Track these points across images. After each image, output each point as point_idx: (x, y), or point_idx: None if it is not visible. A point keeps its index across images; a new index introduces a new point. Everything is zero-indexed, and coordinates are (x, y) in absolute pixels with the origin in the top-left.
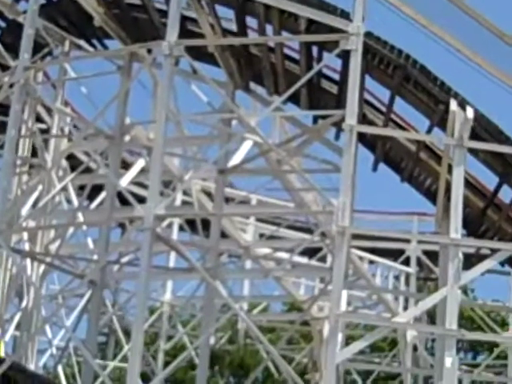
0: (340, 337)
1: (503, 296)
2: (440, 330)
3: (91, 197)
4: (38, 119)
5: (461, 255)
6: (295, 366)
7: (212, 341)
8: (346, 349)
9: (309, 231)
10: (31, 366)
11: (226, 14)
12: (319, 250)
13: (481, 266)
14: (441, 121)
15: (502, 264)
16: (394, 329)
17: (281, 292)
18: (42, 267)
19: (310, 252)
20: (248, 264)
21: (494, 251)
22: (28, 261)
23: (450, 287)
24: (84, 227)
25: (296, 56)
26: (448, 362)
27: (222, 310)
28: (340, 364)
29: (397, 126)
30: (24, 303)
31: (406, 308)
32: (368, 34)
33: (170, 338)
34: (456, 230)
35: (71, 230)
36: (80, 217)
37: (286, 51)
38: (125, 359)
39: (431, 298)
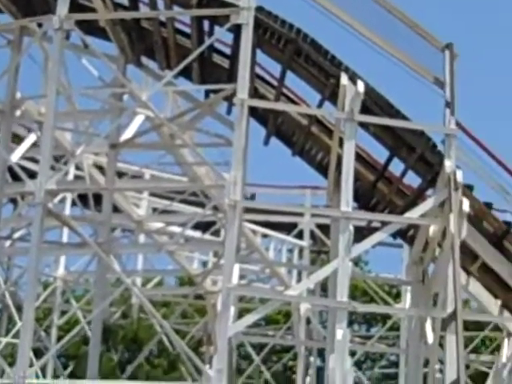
0: (232, 310)
1: (396, 269)
2: (331, 303)
3: None
4: None
5: (352, 228)
6: (190, 340)
7: (105, 315)
8: (238, 322)
9: (202, 205)
10: None
11: None
12: (213, 224)
13: (371, 238)
14: (332, 95)
15: (395, 237)
16: (287, 302)
17: (174, 266)
18: None
19: (204, 226)
20: (141, 238)
21: (384, 224)
22: None
23: (340, 260)
24: None
25: (187, 30)
26: (339, 334)
27: (116, 284)
28: (233, 337)
29: (288, 100)
30: None
31: (299, 281)
32: (259, 9)
33: (63, 313)
34: (347, 203)
35: None
36: None
37: (178, 25)
38: (18, 335)
39: (322, 271)
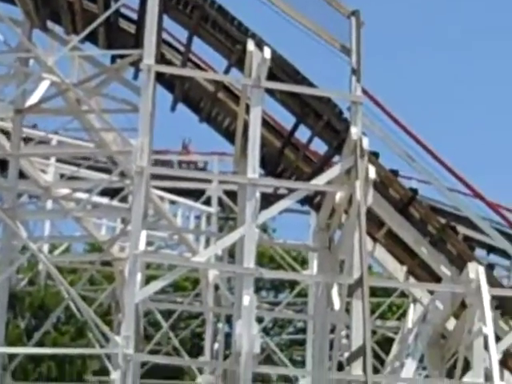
0: (139, 277)
1: (304, 235)
2: (238, 269)
3: None
4: None
5: (258, 194)
6: (98, 307)
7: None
8: (145, 288)
9: (109, 172)
10: None
11: None
12: (121, 190)
13: (278, 205)
14: (238, 61)
15: (302, 203)
16: (195, 268)
17: (82, 233)
18: None
19: (112, 192)
20: (48, 205)
21: (291, 191)
22: None
23: (247, 226)
24: None
25: None
26: (246, 300)
27: (23, 251)
28: (140, 304)
29: (195, 66)
30: None
31: (207, 248)
32: None
33: None
34: (253, 169)
35: None
36: None
37: None
38: None
39: (229, 237)
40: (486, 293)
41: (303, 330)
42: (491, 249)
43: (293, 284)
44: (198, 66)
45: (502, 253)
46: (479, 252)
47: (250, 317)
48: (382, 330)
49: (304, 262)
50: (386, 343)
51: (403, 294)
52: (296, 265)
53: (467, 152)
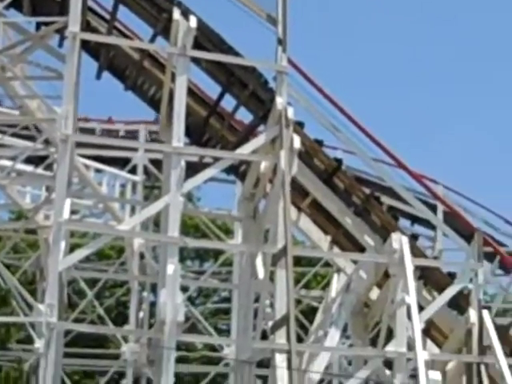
0: (63, 245)
1: (231, 205)
2: (162, 238)
3: None
4: None
5: (183, 163)
6: (22, 275)
7: None
8: (69, 256)
9: (34, 139)
10: None
11: None
12: (46, 158)
13: (203, 174)
14: (164, 30)
15: (228, 172)
16: (120, 237)
17: (6, 200)
18: None
19: (37, 160)
20: None
21: (216, 160)
22: None
23: (172, 195)
24: None
25: None
26: (170, 269)
27: None
28: (64, 272)
29: (121, 34)
30: None
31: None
32: None
33: None
34: (178, 138)
35: None
36: None
37: None
38: None
39: (154, 206)
40: (410, 263)
41: (228, 299)
42: (415, 219)
43: (218, 253)
44: (123, 34)
45: (426, 223)
46: (403, 222)
47: (174, 285)
48: (306, 299)
49: (229, 232)
50: (310, 313)
51: (327, 264)
52: (221, 234)
53: (391, 122)
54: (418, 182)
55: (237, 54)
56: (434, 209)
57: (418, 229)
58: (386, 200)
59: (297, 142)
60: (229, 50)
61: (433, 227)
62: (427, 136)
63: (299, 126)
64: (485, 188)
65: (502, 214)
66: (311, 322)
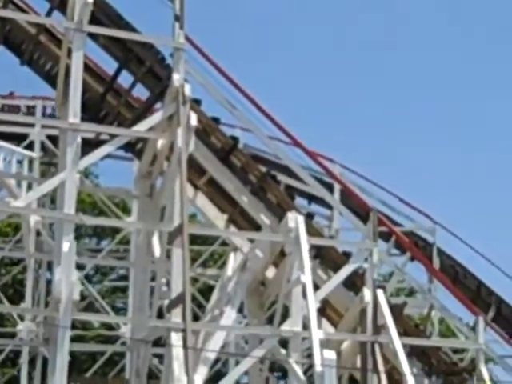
0: None
1: (128, 182)
2: (58, 215)
3: None
4: None
5: (79, 140)
6: None
7: None
8: None
9: None
10: None
11: None
12: None
13: (99, 150)
14: (61, 4)
15: (125, 150)
16: (16, 214)
17: None
18: None
19: None
20: None
21: (113, 136)
22: None
23: (68, 171)
24: None
25: None
26: (65, 246)
27: None
28: None
29: (17, 7)
30: None
31: None
32: None
33: None
34: (75, 114)
35: None
36: None
37: None
38: None
39: (49, 183)
40: (305, 242)
41: (126, 278)
42: (312, 198)
43: (115, 231)
44: (19, 8)
45: (323, 202)
46: (301, 201)
47: (69, 263)
48: (203, 278)
49: (127, 210)
50: (208, 291)
51: (225, 243)
52: (118, 212)
53: (289, 102)
54: (314, 160)
55: (134, 30)
56: (330, 187)
57: (316, 208)
58: (284, 179)
59: (193, 120)
60: (126, 26)
61: (330, 206)
62: (324, 114)
63: (196, 103)
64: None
65: (398, 194)
66: (208, 300)
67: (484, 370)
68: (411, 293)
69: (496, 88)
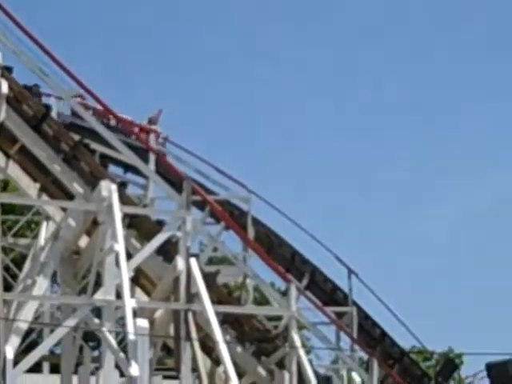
0: None
1: None
2: None
3: None
4: None
5: None
6: None
7: None
8: None
9: None
10: None
11: None
12: None
13: None
14: None
15: None
16: None
17: None
18: None
19: None
20: None
21: None
22: None
23: None
24: None
25: None
26: None
27: None
28: None
29: None
30: None
31: None
32: None
33: None
34: None
35: None
36: None
37: None
38: None
39: None
40: (118, 210)
41: None
42: (128, 167)
43: None
44: None
45: (139, 172)
46: (117, 170)
47: None
48: (17, 247)
49: None
50: (24, 261)
51: (39, 212)
52: None
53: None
54: (127, 128)
55: None
56: (145, 157)
57: (131, 177)
58: (99, 148)
59: (4, 87)
60: None
61: (146, 176)
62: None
63: (7, 70)
64: None
65: (214, 163)
66: None
67: (296, 337)
68: (228, 261)
69: None
